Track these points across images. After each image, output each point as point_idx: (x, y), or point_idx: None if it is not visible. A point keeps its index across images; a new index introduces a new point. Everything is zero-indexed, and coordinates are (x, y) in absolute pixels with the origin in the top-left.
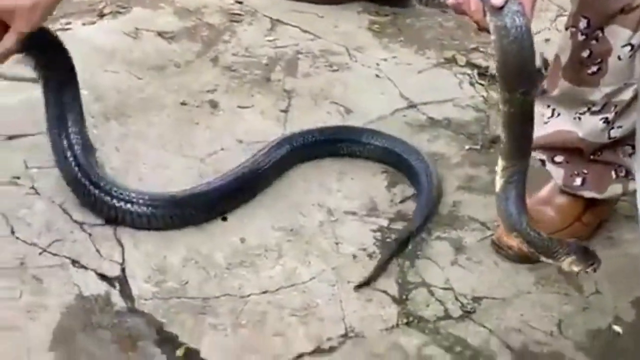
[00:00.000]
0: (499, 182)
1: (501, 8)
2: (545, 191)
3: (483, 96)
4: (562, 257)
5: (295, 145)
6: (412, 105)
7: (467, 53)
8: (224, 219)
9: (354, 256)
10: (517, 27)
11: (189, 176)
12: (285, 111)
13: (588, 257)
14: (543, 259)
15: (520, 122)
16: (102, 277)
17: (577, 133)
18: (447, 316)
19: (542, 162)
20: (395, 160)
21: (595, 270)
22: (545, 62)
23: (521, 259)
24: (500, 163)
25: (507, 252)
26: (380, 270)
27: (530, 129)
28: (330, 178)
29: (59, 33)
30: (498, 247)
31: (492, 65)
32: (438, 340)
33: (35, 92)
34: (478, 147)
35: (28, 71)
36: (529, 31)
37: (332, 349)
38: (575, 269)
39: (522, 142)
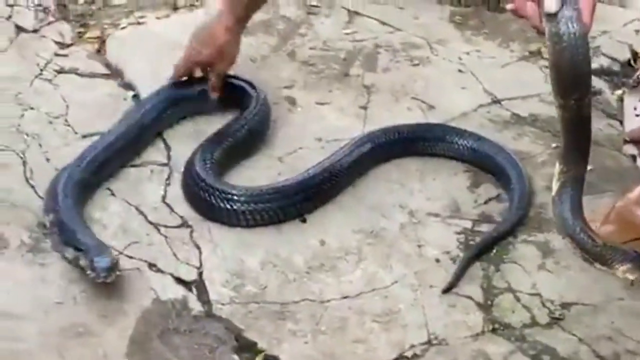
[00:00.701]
0: (555, 186)
1: (555, 14)
2: (637, 191)
3: None
4: (617, 264)
5: (378, 143)
6: (496, 101)
7: None
8: (303, 220)
9: (437, 260)
10: (570, 33)
11: (267, 176)
12: (364, 108)
13: None
14: (597, 265)
15: (576, 127)
16: (179, 281)
17: None
18: (534, 323)
19: (633, 157)
20: (484, 160)
21: None
22: (635, 54)
23: None
24: (558, 167)
25: None
26: (465, 270)
27: (586, 134)
28: (412, 178)
29: (132, 28)
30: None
31: None
32: (525, 349)
33: (108, 89)
34: None
35: (102, 68)
36: (584, 38)
37: (415, 357)
38: (631, 277)
39: (578, 147)
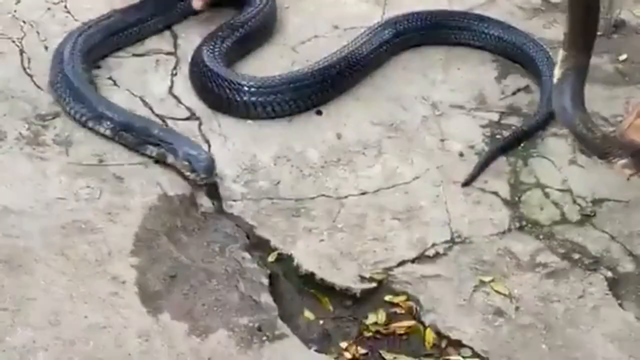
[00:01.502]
0: (557, 73)
1: None
2: None
3: None
4: (615, 158)
5: (399, 29)
6: None
7: None
8: (319, 112)
9: (461, 154)
10: None
11: (279, 66)
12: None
13: None
14: (595, 158)
15: (582, 13)
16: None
17: None
18: (564, 220)
19: None
20: (512, 49)
21: None
22: None
23: None
24: (561, 53)
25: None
26: (488, 164)
27: (593, 18)
28: (434, 68)
29: None
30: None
31: None
32: (553, 247)
33: None
34: (600, 32)
35: None
36: None
37: (437, 256)
38: (628, 172)
39: (583, 32)
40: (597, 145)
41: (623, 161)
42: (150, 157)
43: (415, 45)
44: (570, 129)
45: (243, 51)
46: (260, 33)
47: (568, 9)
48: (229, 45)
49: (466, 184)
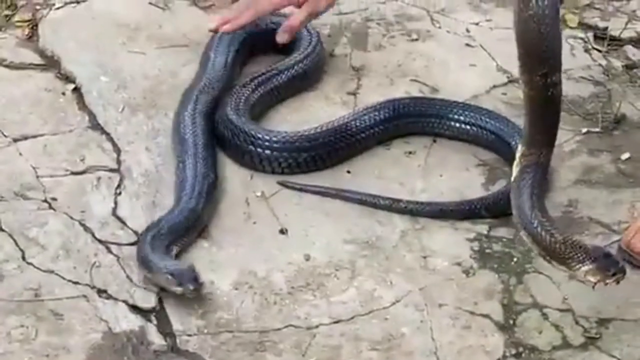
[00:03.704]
0: (515, 171)
1: None
2: None
3: (601, 65)
4: (577, 264)
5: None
6: (512, 80)
7: (580, 11)
8: (283, 231)
9: (447, 273)
10: (538, 0)
11: (237, 181)
12: (353, 94)
13: (609, 266)
14: (555, 265)
15: (541, 107)
16: (135, 309)
17: None
18: (565, 344)
19: None
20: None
21: (618, 282)
22: None
23: None
24: (520, 149)
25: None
26: None
27: (553, 116)
28: (413, 176)
29: (69, 7)
30: (628, 255)
31: (612, 26)
32: None
33: (43, 82)
34: (598, 129)
35: (34, 57)
36: (554, 6)
37: None
38: (592, 279)
39: (543, 130)
40: (557, 250)
41: (586, 268)
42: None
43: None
44: (527, 231)
45: None
46: None
47: (524, 102)
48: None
49: None
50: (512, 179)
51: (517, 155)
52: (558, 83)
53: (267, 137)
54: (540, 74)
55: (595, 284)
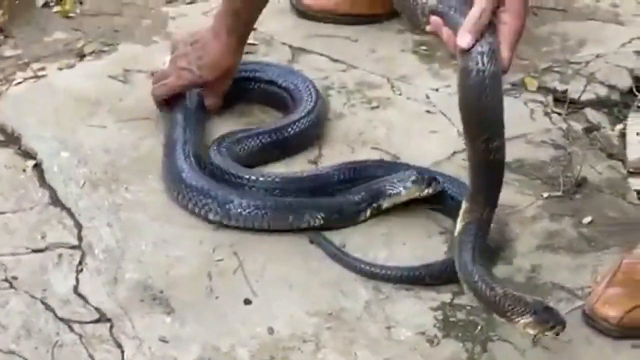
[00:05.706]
0: (458, 226)
1: (468, 49)
2: None
3: (562, 128)
4: (516, 317)
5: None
6: None
7: (539, 75)
8: (248, 302)
9: (411, 343)
10: (479, 71)
11: (200, 253)
12: (314, 162)
13: (548, 318)
14: (497, 318)
15: (483, 170)
16: None
17: None
18: None
19: (639, 194)
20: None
21: (557, 335)
22: (637, 79)
23: (623, 332)
24: (464, 205)
25: (604, 324)
26: None
27: (495, 178)
28: (376, 245)
29: (29, 82)
30: (592, 320)
31: (571, 89)
32: None
33: (3, 159)
34: (559, 193)
35: None
36: (495, 77)
37: None
38: (532, 331)
39: (486, 192)
40: (498, 303)
41: (526, 320)
42: None
43: None
44: (468, 284)
45: None
46: None
47: (469, 163)
48: None
49: None
50: (456, 233)
51: (461, 211)
52: (501, 147)
53: None
54: (482, 140)
55: (535, 336)
